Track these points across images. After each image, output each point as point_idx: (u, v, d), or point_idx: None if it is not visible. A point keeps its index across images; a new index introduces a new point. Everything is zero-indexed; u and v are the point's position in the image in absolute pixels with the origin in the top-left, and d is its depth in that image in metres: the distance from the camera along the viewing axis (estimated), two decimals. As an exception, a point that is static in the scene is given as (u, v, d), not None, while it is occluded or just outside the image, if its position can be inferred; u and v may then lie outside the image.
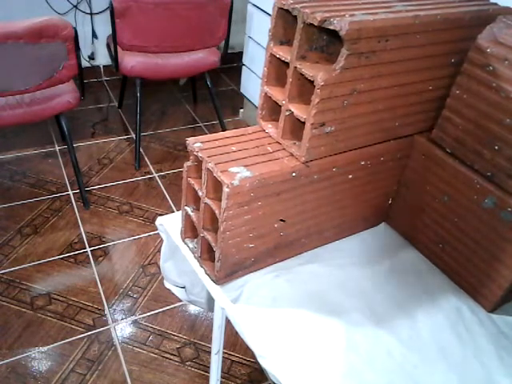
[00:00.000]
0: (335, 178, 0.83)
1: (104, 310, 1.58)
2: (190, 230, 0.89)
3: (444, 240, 0.90)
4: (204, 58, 2.20)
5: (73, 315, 1.55)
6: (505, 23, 0.76)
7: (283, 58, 0.73)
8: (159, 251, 1.79)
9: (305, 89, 0.75)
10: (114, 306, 1.60)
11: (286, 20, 0.73)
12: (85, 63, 2.83)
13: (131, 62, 2.07)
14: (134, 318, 1.57)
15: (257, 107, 0.84)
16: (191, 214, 0.85)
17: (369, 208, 0.97)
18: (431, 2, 0.78)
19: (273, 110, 0.82)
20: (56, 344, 1.46)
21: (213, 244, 0.80)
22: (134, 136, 2.49)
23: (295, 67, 0.72)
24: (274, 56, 0.75)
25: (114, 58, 2.05)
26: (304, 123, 0.73)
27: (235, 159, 0.74)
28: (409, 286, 0.90)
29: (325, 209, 0.87)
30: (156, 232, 1.89)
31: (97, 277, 1.69)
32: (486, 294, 0.85)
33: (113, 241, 1.84)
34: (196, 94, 2.87)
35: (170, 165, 2.31)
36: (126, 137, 2.48)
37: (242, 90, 2.65)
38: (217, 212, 0.75)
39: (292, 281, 0.87)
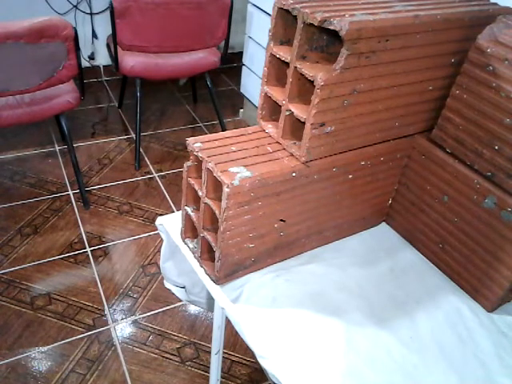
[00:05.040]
0: (335, 178, 0.83)
1: (104, 310, 1.58)
2: (190, 230, 0.89)
3: (444, 240, 0.90)
4: (204, 58, 2.20)
5: (73, 315, 1.55)
6: (505, 23, 0.76)
7: (283, 58, 0.73)
8: (159, 251, 1.79)
9: (305, 89, 0.75)
10: (114, 306, 1.60)
11: (285, 20, 0.73)
12: (85, 63, 2.83)
13: (131, 61, 2.07)
14: (133, 318, 1.57)
15: (257, 107, 0.84)
16: (191, 213, 0.85)
17: (369, 208, 0.97)
18: (431, 1, 0.78)
19: (273, 109, 0.82)
20: (56, 344, 1.46)
21: (213, 244, 0.80)
22: (134, 136, 2.49)
23: (295, 67, 0.72)
24: (274, 56, 0.75)
25: (114, 58, 2.05)
26: (304, 123, 0.73)
27: (235, 159, 0.74)
28: (409, 286, 0.90)
29: (325, 209, 0.87)
30: (156, 232, 1.89)
31: (97, 277, 1.69)
32: (486, 294, 0.85)
33: (113, 241, 1.84)
34: (196, 94, 2.87)
35: (170, 165, 2.31)
36: (126, 137, 2.48)
37: (242, 90, 2.65)
38: (217, 212, 0.75)
39: (292, 281, 0.87)
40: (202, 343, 1.52)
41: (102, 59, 2.91)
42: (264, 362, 0.74)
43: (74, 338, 1.48)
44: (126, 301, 1.62)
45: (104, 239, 1.85)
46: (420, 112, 0.87)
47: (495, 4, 0.83)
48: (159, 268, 1.75)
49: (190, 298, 1.14)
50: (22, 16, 1.47)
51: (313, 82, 0.68)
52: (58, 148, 2.33)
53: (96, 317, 1.55)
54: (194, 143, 0.77)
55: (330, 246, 0.96)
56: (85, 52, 2.83)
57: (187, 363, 1.46)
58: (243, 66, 2.55)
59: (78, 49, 1.60)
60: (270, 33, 0.74)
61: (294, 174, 0.76)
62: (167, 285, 1.15)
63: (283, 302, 0.83)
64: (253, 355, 1.47)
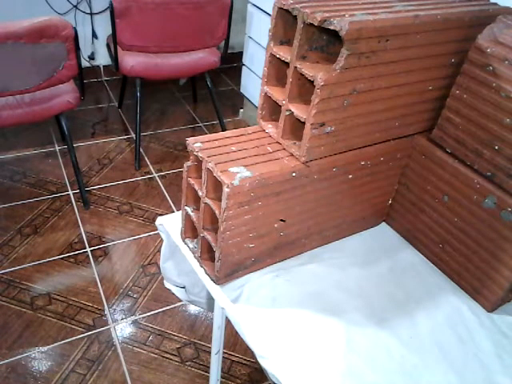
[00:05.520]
0: (335, 178, 0.83)
1: (104, 310, 1.58)
2: (190, 229, 0.89)
3: (444, 240, 0.90)
4: (204, 57, 2.20)
5: (73, 315, 1.55)
6: (505, 23, 0.76)
7: (283, 58, 0.73)
8: (159, 251, 1.79)
9: (305, 89, 0.75)
10: (114, 306, 1.60)
11: (285, 20, 0.73)
12: (85, 63, 2.83)
13: (131, 61, 2.07)
14: (133, 318, 1.57)
15: (257, 107, 0.84)
16: (191, 213, 0.85)
17: (369, 208, 0.97)
18: (431, 1, 0.78)
19: (273, 109, 0.82)
20: (56, 344, 1.46)
21: (213, 244, 0.80)
22: (134, 136, 2.49)
23: (295, 67, 0.72)
24: (274, 56, 0.75)
25: (114, 58, 2.05)
26: (304, 123, 0.73)
27: (235, 159, 0.74)
28: (409, 286, 0.90)
29: (325, 209, 0.87)
30: (156, 232, 1.89)
31: (97, 277, 1.69)
32: (486, 294, 0.85)
33: (113, 241, 1.84)
34: (196, 93, 2.87)
35: (170, 165, 2.31)
36: (126, 137, 2.48)
37: (242, 90, 2.65)
38: (217, 212, 0.75)
39: (292, 281, 0.87)
40: (202, 343, 1.52)
41: (102, 59, 2.91)
42: (264, 362, 0.74)
43: (74, 337, 1.48)
44: (125, 301, 1.62)
45: (104, 239, 1.85)
46: (420, 112, 0.87)
47: (495, 4, 0.83)
48: (159, 268, 1.75)
49: (190, 298, 1.14)
50: (22, 16, 1.47)
51: (313, 81, 0.68)
52: (58, 148, 2.33)
53: (96, 317, 1.55)
54: (194, 143, 0.77)
55: (330, 246, 0.96)
56: (85, 52, 2.83)
57: (187, 363, 1.45)
58: (243, 66, 2.55)
59: (78, 49, 1.60)
60: (269, 33, 0.74)
61: (294, 174, 0.76)
62: (167, 285, 1.15)
63: (283, 302, 0.83)
64: (253, 355, 1.47)
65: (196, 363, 1.46)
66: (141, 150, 2.37)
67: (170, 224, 0.97)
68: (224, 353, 1.49)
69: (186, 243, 0.91)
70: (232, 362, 1.48)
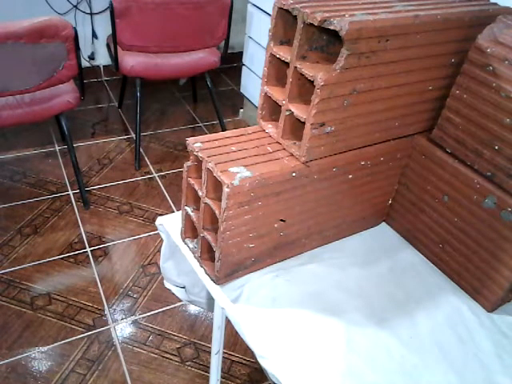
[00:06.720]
0: (335, 178, 0.84)
1: (104, 310, 1.58)
2: (190, 229, 0.89)
3: (444, 240, 0.90)
4: (204, 57, 2.20)
5: (73, 315, 1.55)
6: (505, 23, 0.76)
7: (283, 58, 0.73)
8: (159, 251, 1.79)
9: (305, 89, 0.75)
10: (114, 306, 1.60)
11: (286, 20, 0.73)
12: (85, 63, 2.83)
13: (131, 61, 2.07)
14: (133, 318, 1.57)
15: (257, 107, 0.84)
16: (191, 213, 0.85)
17: (369, 208, 0.97)
18: (431, 1, 0.78)
19: (273, 109, 0.82)
20: (56, 344, 1.46)
21: (213, 244, 0.80)
22: (134, 136, 2.49)
23: (295, 67, 0.72)
24: (274, 56, 0.75)
25: (114, 57, 2.05)
26: (304, 123, 0.73)
27: (235, 159, 0.74)
28: (409, 286, 0.90)
29: (325, 209, 0.87)
30: (156, 232, 1.89)
31: (97, 277, 1.69)
32: (486, 294, 0.85)
33: (113, 241, 1.84)
34: (196, 93, 2.87)
35: (170, 165, 2.31)
36: (126, 137, 2.48)
37: (242, 90, 2.65)
38: (217, 212, 0.75)
39: (292, 281, 0.87)
40: (202, 343, 1.52)
41: (102, 59, 2.91)
42: (264, 362, 0.74)
43: (74, 338, 1.48)
44: (125, 301, 1.62)
45: (104, 239, 1.85)
46: (420, 112, 0.87)
47: (495, 4, 0.83)
48: (159, 268, 1.75)
49: (190, 298, 1.14)
50: (22, 16, 1.47)
51: (313, 81, 0.68)
52: (58, 148, 2.33)
53: (96, 317, 1.55)
54: (194, 143, 0.77)
55: (330, 246, 0.96)
56: (85, 52, 2.83)
57: (187, 363, 1.45)
58: (243, 66, 2.55)
59: (78, 49, 1.60)
60: (269, 33, 0.74)
61: (294, 174, 0.76)
62: (167, 285, 1.15)
63: (283, 302, 0.83)
64: (253, 355, 1.47)
65: (196, 363, 1.46)
66: (141, 150, 2.37)
67: (170, 224, 0.97)
68: (224, 353, 1.49)
69: (186, 243, 0.91)
70: (232, 362, 1.48)
